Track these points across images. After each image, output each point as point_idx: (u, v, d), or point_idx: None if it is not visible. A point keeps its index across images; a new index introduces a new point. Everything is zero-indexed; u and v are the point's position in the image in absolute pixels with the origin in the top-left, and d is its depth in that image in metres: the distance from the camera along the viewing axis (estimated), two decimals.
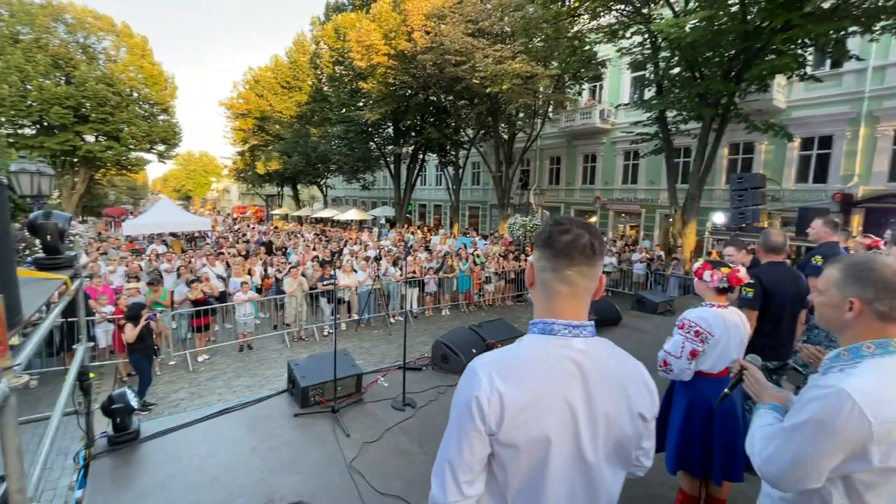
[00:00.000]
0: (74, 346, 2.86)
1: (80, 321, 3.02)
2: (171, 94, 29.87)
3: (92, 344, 6.79)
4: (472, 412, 0.98)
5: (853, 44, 11.35)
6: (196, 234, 21.42)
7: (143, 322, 5.85)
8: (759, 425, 1.39)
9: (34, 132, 24.61)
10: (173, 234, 19.40)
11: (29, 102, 23.05)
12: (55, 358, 6.74)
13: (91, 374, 3.68)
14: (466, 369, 1.05)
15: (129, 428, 3.36)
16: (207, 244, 15.70)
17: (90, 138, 26.29)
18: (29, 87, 23.15)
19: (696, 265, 2.61)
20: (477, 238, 17.86)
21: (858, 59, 11.15)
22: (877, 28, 9.25)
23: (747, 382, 1.64)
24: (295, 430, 3.79)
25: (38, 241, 4.46)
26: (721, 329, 2.39)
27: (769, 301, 3.01)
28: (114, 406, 3.29)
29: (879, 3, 8.84)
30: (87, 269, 10.14)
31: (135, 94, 27.86)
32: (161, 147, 29.80)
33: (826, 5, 8.94)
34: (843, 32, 9.93)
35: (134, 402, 3.35)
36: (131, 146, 27.74)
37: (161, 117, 29.60)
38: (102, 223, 29.06)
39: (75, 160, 26.65)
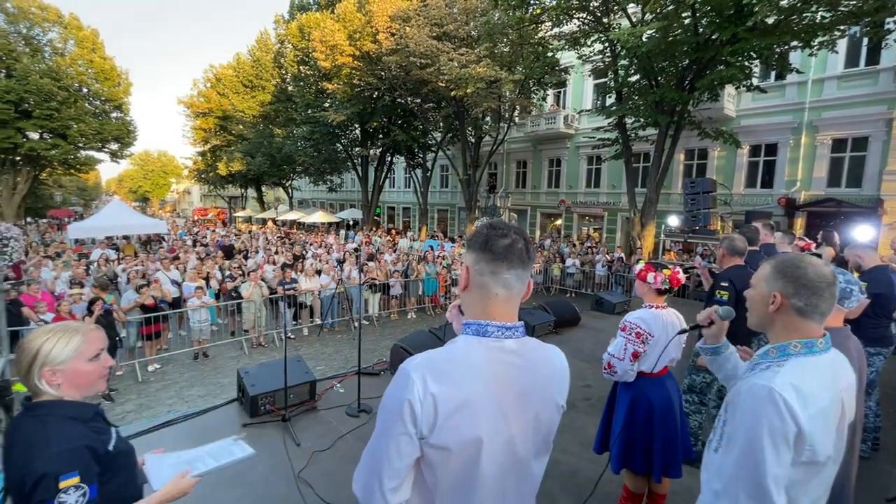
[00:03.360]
0: None
1: (1, 332, 2.80)
2: (124, 90, 28.38)
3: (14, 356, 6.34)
4: (404, 415, 0.96)
5: (795, 57, 12.09)
6: (153, 238, 20.48)
7: (97, 312, 6.10)
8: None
9: None
10: (126, 238, 18.45)
11: None
12: None
13: (18, 386, 3.40)
14: (399, 370, 1.03)
15: None
16: (163, 248, 15.01)
17: (33, 135, 24.64)
18: None
19: (638, 268, 2.68)
20: (444, 241, 17.88)
21: (799, 72, 11.88)
22: (815, 43, 9.90)
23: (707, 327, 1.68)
24: None
25: None
26: (660, 329, 2.45)
27: (740, 302, 3.13)
28: None
29: (817, 21, 9.47)
30: (26, 275, 9.50)
31: (84, 90, 26.33)
32: (114, 146, 28.24)
33: (769, 21, 9.48)
34: (785, 46, 10.57)
35: None
36: (80, 144, 26.16)
37: (114, 114, 28.08)
38: (47, 225, 27.31)
39: (17, 158, 24.85)
